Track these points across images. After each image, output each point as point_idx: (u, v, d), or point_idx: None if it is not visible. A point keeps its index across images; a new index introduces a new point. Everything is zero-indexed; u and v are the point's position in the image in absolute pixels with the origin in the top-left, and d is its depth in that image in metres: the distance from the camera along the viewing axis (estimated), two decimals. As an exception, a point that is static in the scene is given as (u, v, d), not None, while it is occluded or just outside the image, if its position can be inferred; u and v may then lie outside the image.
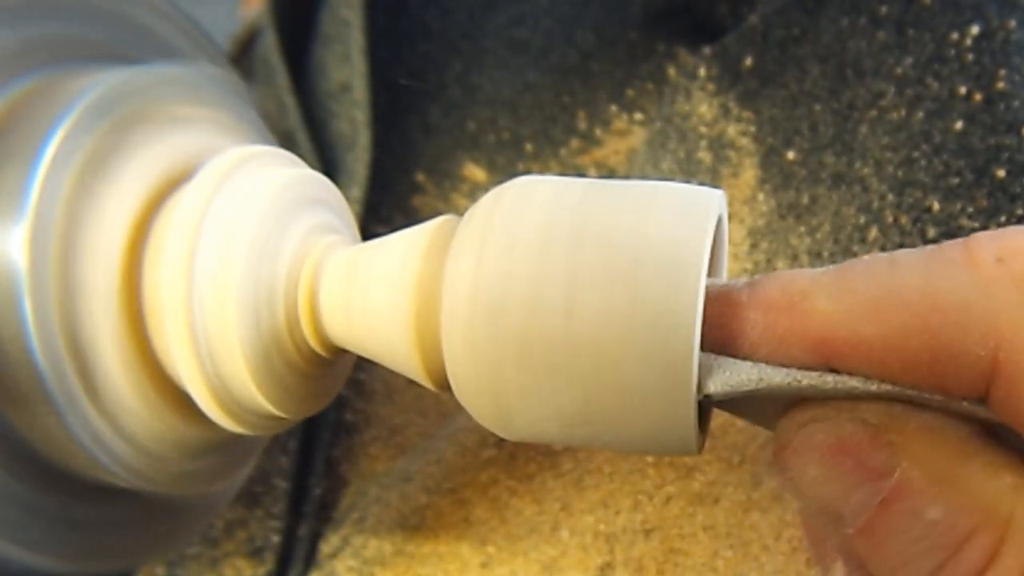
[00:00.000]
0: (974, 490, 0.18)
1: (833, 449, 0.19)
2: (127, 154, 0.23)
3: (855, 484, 0.18)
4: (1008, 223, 0.27)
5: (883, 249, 0.29)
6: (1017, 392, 0.17)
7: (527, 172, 0.38)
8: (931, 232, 0.28)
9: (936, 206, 0.28)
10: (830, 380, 0.18)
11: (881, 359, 0.18)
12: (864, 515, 0.18)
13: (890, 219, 0.29)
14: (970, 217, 0.28)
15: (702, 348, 0.19)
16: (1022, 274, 0.17)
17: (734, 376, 0.19)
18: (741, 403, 0.20)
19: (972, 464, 0.18)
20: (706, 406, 0.21)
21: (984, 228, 0.27)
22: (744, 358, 0.19)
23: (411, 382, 0.32)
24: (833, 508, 0.19)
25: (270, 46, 0.39)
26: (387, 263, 0.23)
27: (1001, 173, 0.28)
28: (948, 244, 0.18)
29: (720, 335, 0.19)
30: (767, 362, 0.19)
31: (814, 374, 0.19)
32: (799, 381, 0.19)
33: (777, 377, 0.19)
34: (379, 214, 0.38)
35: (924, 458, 0.18)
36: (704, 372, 0.19)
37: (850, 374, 0.18)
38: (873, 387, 0.18)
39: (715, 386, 0.19)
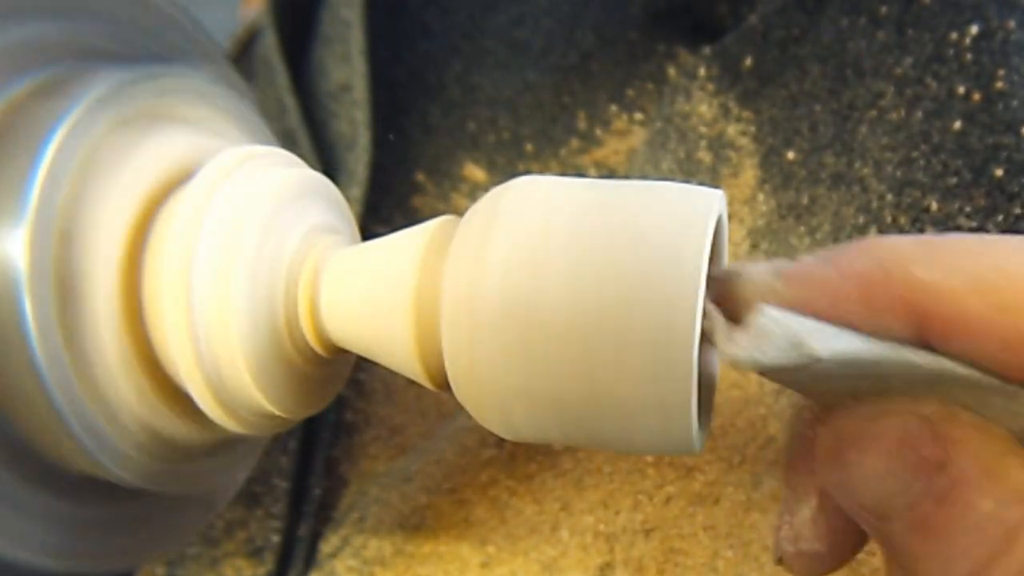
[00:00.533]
0: (1021, 484, 0.18)
1: (899, 443, 0.18)
2: (127, 154, 0.23)
3: (914, 478, 0.18)
4: (1006, 223, 0.27)
5: (883, 249, 0.29)
6: None
7: (527, 172, 0.38)
8: (930, 232, 0.28)
9: (934, 206, 0.28)
10: (948, 364, 0.18)
11: (982, 335, 0.18)
12: (919, 510, 0.18)
13: (889, 219, 0.29)
14: (968, 216, 0.28)
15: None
16: None
17: (841, 342, 0.18)
18: (798, 371, 0.19)
19: (1017, 460, 0.18)
20: (706, 405, 0.21)
21: (982, 228, 0.27)
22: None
23: (411, 382, 0.32)
24: (887, 503, 0.19)
25: (270, 46, 0.39)
26: (387, 263, 0.23)
27: (999, 172, 0.28)
28: None
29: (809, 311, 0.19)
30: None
31: (924, 352, 0.18)
32: (908, 359, 0.18)
33: (887, 351, 0.18)
34: (379, 214, 0.38)
35: (976, 452, 0.18)
36: (804, 335, 0.18)
37: (941, 351, 0.18)
38: (969, 372, 0.18)
39: (824, 350, 0.18)
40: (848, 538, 0.21)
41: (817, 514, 0.21)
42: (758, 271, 0.19)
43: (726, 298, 0.19)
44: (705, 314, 0.19)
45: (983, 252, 0.18)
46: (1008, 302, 0.17)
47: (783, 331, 0.18)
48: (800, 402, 0.21)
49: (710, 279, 0.19)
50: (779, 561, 0.21)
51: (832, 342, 0.18)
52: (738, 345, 0.18)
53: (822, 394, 0.20)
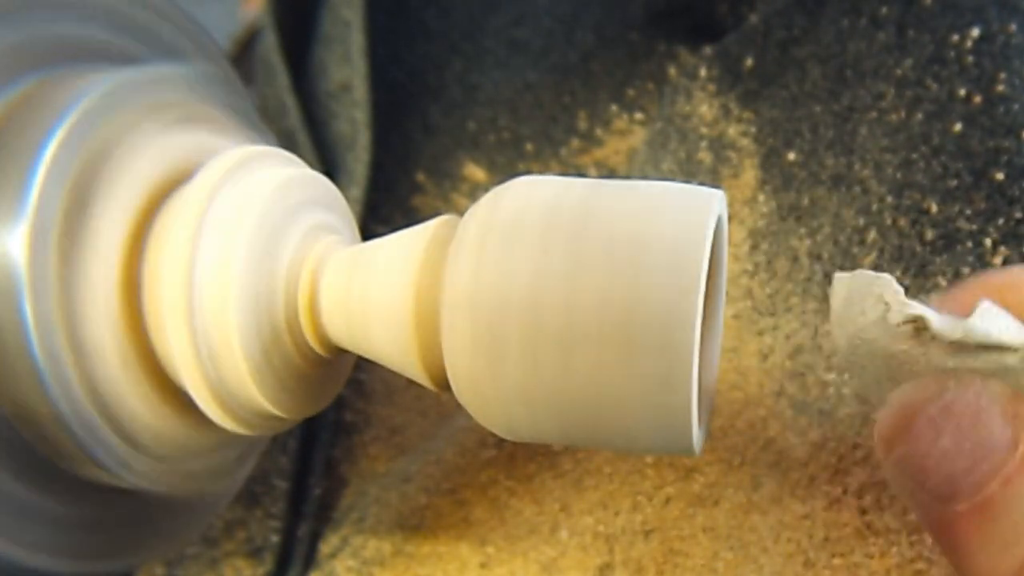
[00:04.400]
0: None
1: (971, 419, 0.18)
2: (127, 154, 0.23)
3: (983, 456, 0.18)
4: (1006, 226, 0.27)
5: (882, 252, 0.29)
6: None
7: (527, 172, 0.38)
8: (929, 234, 0.28)
9: (934, 208, 0.28)
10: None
11: None
12: (986, 490, 0.18)
13: (889, 221, 0.29)
14: (968, 219, 0.28)
15: None
16: None
17: (998, 323, 0.18)
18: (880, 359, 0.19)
19: None
20: (706, 407, 0.21)
21: (982, 231, 0.27)
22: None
23: (411, 382, 0.32)
24: (953, 483, 0.18)
25: (270, 46, 0.39)
26: (387, 263, 0.23)
27: (1000, 176, 0.28)
28: None
29: None
30: None
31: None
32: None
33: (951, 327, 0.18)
34: (379, 214, 0.38)
35: None
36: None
37: None
38: None
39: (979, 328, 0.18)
40: None
41: None
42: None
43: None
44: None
45: None
46: None
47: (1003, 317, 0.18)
48: None
49: None
50: None
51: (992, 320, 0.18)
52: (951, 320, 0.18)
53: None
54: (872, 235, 0.29)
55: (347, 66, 0.37)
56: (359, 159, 0.36)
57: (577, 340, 0.19)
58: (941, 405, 0.19)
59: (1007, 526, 0.18)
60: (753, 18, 0.34)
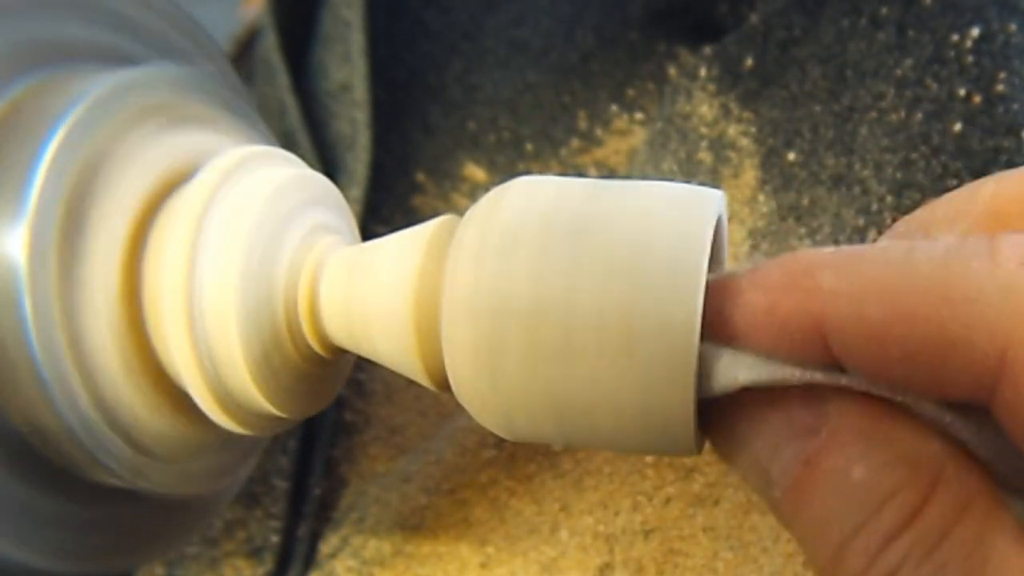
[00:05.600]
0: (901, 449, 0.17)
1: (763, 406, 0.19)
2: (127, 154, 0.23)
3: (785, 440, 0.18)
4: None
5: (883, 251, 0.29)
6: (1022, 395, 0.16)
7: (527, 172, 0.38)
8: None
9: (935, 207, 0.28)
10: (843, 380, 0.18)
11: (882, 344, 0.17)
12: (791, 474, 0.18)
13: (889, 221, 0.29)
14: (969, 219, 0.28)
15: (704, 339, 0.19)
16: None
17: (737, 371, 0.19)
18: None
19: (902, 426, 0.18)
20: (706, 405, 0.21)
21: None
22: (746, 345, 0.19)
23: (411, 382, 0.32)
24: (762, 469, 0.19)
25: (270, 46, 0.39)
26: (387, 263, 0.23)
27: (1000, 175, 0.28)
28: (972, 238, 0.17)
29: (720, 322, 0.19)
30: (770, 349, 0.19)
31: (818, 373, 0.18)
32: (791, 382, 0.18)
33: (780, 374, 0.19)
34: (379, 214, 0.38)
35: (852, 416, 0.18)
36: (709, 367, 0.19)
37: (853, 371, 0.18)
38: (863, 387, 0.18)
39: (719, 383, 0.19)
40: None
41: None
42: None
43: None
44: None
45: (899, 260, 0.17)
46: (911, 312, 0.17)
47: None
48: None
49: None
50: None
51: (728, 371, 0.19)
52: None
53: None
54: (872, 235, 0.29)
55: (347, 66, 0.37)
56: (359, 159, 0.36)
57: (577, 343, 0.19)
58: (754, 406, 0.19)
59: (819, 507, 0.18)
60: (753, 18, 0.34)
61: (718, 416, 0.20)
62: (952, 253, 0.17)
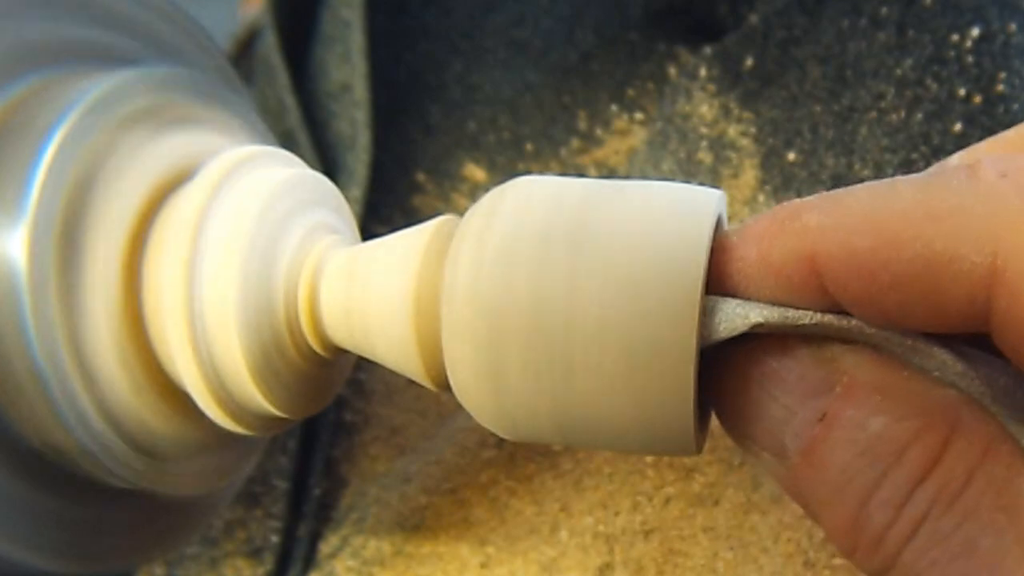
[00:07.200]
0: (916, 398, 0.17)
1: (776, 371, 0.18)
2: (127, 154, 0.23)
3: (799, 400, 0.18)
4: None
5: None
6: (1019, 300, 0.16)
7: (527, 172, 0.38)
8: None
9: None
10: (832, 319, 0.18)
11: (873, 273, 0.17)
12: (807, 437, 0.18)
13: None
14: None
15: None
16: None
17: (748, 312, 0.19)
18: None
19: (916, 377, 0.18)
20: (706, 405, 0.21)
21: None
22: (747, 300, 0.19)
23: (411, 382, 0.32)
24: (776, 441, 0.18)
25: (270, 46, 0.39)
26: (387, 263, 0.23)
27: (1001, 175, 0.28)
28: (952, 164, 0.17)
29: (718, 282, 0.19)
30: (771, 300, 0.19)
31: (815, 314, 0.18)
32: (800, 321, 0.18)
33: (790, 315, 0.18)
34: (379, 214, 0.38)
35: (866, 370, 0.18)
36: (709, 317, 0.19)
37: (846, 310, 0.18)
38: (871, 331, 0.18)
39: (726, 326, 0.19)
40: None
41: None
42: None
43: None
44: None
45: (882, 193, 0.17)
46: (897, 235, 0.17)
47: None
48: None
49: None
50: None
51: (726, 320, 0.19)
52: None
53: None
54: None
55: (347, 66, 0.37)
56: (359, 159, 0.36)
57: (576, 339, 0.19)
58: (765, 371, 0.19)
59: (838, 466, 0.17)
60: (753, 18, 0.34)
61: (729, 389, 0.19)
62: (933, 176, 0.17)
